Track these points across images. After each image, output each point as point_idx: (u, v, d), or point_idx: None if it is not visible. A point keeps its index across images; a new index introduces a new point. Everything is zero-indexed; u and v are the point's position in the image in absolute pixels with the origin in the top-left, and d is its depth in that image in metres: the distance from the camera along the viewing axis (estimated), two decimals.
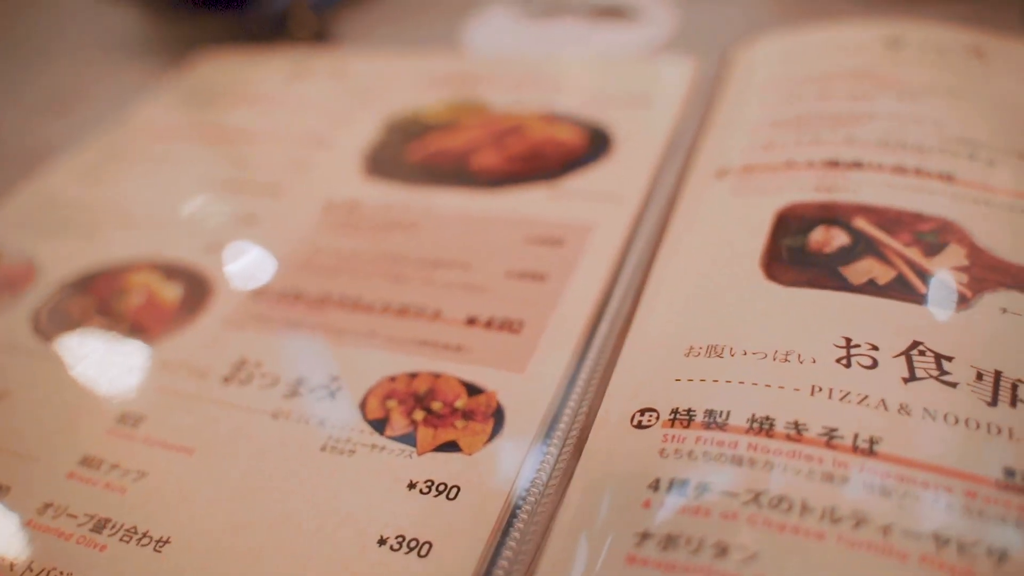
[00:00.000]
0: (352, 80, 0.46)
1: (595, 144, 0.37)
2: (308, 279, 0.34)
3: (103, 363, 0.32)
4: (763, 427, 0.23)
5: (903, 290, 0.26)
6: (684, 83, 0.39)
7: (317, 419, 0.28)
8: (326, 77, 0.47)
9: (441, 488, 0.25)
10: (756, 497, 0.22)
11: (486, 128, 0.40)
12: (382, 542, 0.24)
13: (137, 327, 0.33)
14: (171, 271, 0.36)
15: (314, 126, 0.43)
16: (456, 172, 0.37)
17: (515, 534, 0.24)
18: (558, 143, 0.38)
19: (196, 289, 0.34)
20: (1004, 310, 0.25)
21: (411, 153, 0.39)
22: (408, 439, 0.27)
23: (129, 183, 0.42)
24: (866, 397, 0.24)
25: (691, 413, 0.24)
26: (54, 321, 0.35)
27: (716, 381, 0.25)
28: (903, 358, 0.24)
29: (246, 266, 0.35)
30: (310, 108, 0.45)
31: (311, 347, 0.31)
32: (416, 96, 0.43)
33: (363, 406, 0.28)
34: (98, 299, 0.35)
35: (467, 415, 0.27)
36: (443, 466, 0.26)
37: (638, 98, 0.39)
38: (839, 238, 0.28)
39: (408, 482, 0.26)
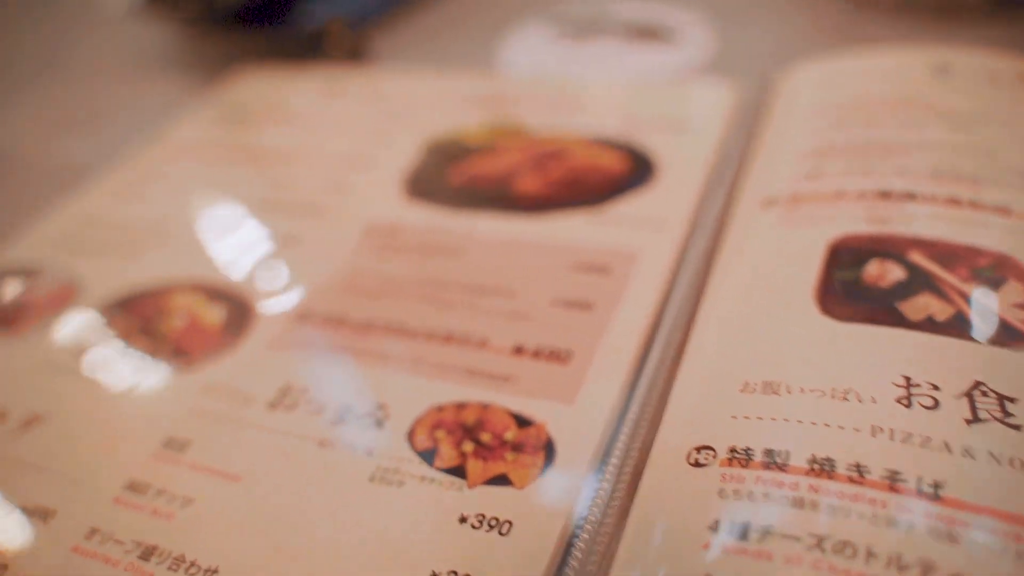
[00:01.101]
0: (388, 100, 0.46)
1: (637, 169, 0.37)
2: (352, 303, 0.34)
3: (146, 386, 0.32)
4: (824, 468, 0.23)
5: (962, 328, 0.26)
6: (724, 108, 0.39)
7: (365, 448, 0.28)
8: (361, 96, 0.47)
9: (493, 523, 0.25)
10: (820, 542, 0.22)
11: (526, 152, 0.39)
12: None
13: (180, 350, 0.33)
14: (213, 293, 0.36)
15: (352, 147, 0.43)
16: (498, 196, 0.37)
17: (569, 572, 0.24)
18: (600, 168, 0.37)
19: (239, 311, 0.34)
20: None
21: (452, 176, 0.39)
22: (458, 471, 0.27)
23: (168, 202, 0.42)
24: (929, 439, 0.23)
25: (749, 452, 0.24)
26: (96, 342, 0.34)
27: (774, 419, 0.25)
28: (965, 399, 0.24)
29: (289, 289, 0.35)
30: (347, 128, 0.45)
31: (357, 373, 0.31)
32: (454, 117, 0.43)
33: (411, 436, 0.28)
34: (140, 320, 0.35)
35: (517, 447, 0.27)
36: (494, 500, 0.26)
37: (678, 123, 0.39)
38: (894, 272, 0.28)
39: (460, 516, 0.25)
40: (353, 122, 0.45)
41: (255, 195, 0.42)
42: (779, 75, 0.39)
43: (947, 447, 0.23)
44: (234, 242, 0.38)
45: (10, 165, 0.47)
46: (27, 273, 0.39)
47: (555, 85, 0.45)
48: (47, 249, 0.41)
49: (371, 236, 0.37)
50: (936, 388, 0.24)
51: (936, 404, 0.24)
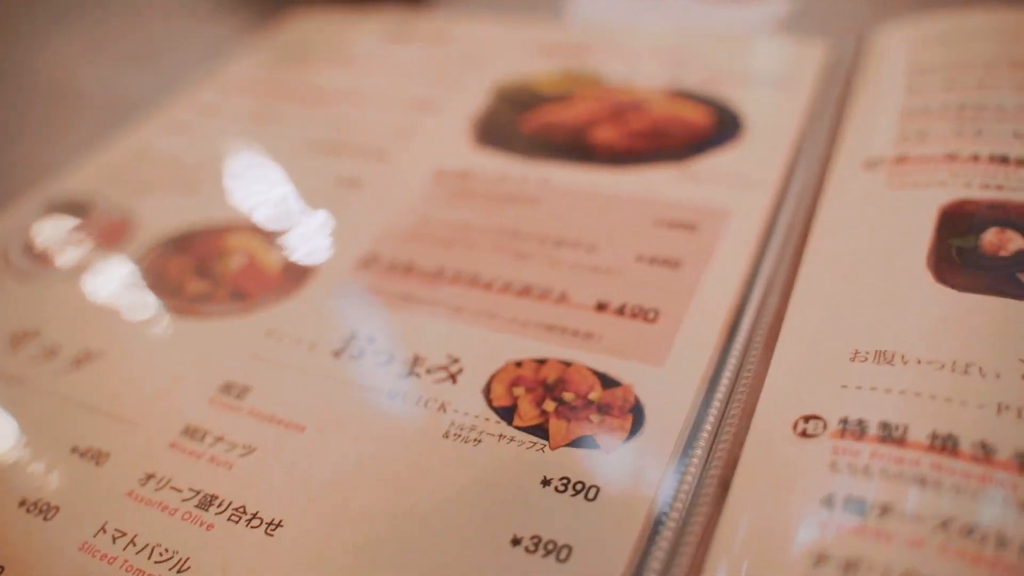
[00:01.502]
0: (455, 45, 0.44)
1: (724, 125, 0.35)
2: (420, 250, 0.32)
3: (203, 327, 0.30)
4: (947, 445, 0.21)
5: None
6: (815, 65, 0.37)
7: (438, 402, 0.26)
8: (427, 41, 0.45)
9: (579, 487, 0.23)
10: (945, 524, 0.20)
11: (604, 101, 0.37)
12: (516, 542, 0.22)
13: (238, 292, 0.32)
14: (271, 235, 0.34)
15: (417, 91, 0.41)
16: (573, 146, 0.35)
17: (663, 544, 0.22)
18: (684, 121, 0.35)
19: (299, 256, 0.33)
20: None
21: (523, 123, 0.37)
22: (539, 431, 0.25)
23: (223, 140, 0.41)
24: None
25: (863, 424, 0.22)
26: (151, 280, 0.33)
27: (888, 391, 0.23)
28: None
29: (352, 233, 0.33)
30: (411, 72, 0.43)
31: (427, 324, 0.29)
32: (524, 64, 0.41)
33: (487, 392, 0.26)
34: (196, 259, 0.33)
35: (603, 409, 0.25)
36: (579, 463, 0.24)
37: (765, 79, 0.37)
38: (1016, 241, 0.26)
39: (542, 478, 0.24)
40: (418, 67, 0.43)
41: (313, 136, 0.40)
42: (874, 33, 0.37)
43: None
44: (291, 183, 0.37)
45: (63, 98, 0.46)
46: (79, 208, 0.37)
47: (630, 35, 0.43)
48: (100, 182, 0.39)
49: (440, 182, 0.35)
50: None
51: None
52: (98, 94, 0.46)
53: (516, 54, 0.42)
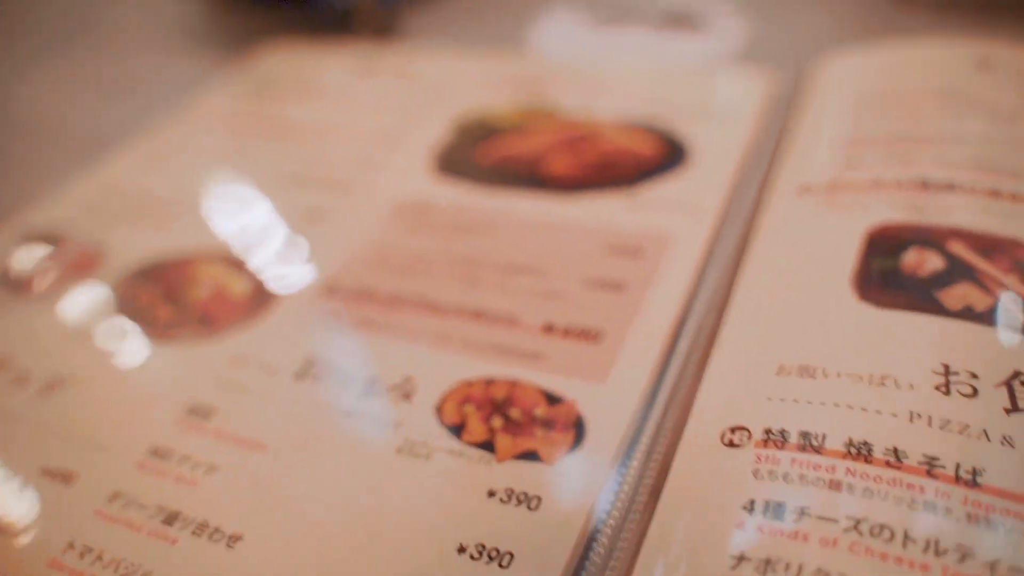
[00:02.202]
0: (419, 79, 0.46)
1: (670, 154, 0.37)
2: (380, 277, 0.33)
3: (171, 353, 0.32)
4: (861, 452, 0.23)
5: (1002, 318, 0.26)
6: (758, 96, 0.39)
7: (392, 421, 0.28)
8: (393, 75, 0.47)
9: (522, 498, 0.25)
10: (856, 524, 0.21)
11: (558, 134, 0.39)
12: (462, 550, 0.24)
13: (206, 319, 0.33)
14: (239, 264, 0.35)
15: (382, 124, 0.43)
16: (529, 176, 0.37)
17: (599, 549, 0.24)
18: (632, 152, 0.37)
19: (265, 283, 0.34)
20: None
21: (481, 155, 0.39)
22: (487, 446, 0.26)
23: (194, 173, 0.42)
24: (967, 427, 0.23)
25: (785, 433, 0.24)
26: (121, 308, 0.34)
27: (810, 402, 0.24)
28: (1004, 388, 0.24)
29: (316, 261, 0.35)
30: (378, 105, 0.45)
31: (384, 347, 0.30)
32: (484, 97, 0.43)
33: (439, 410, 0.28)
34: (166, 288, 0.35)
35: (547, 424, 0.27)
36: (523, 475, 0.25)
37: (711, 110, 0.39)
38: (933, 261, 0.28)
39: (488, 490, 0.25)
40: (382, 99, 0.45)
41: (282, 169, 0.41)
42: (815, 65, 0.39)
43: (986, 435, 0.23)
44: (260, 215, 0.38)
45: (37, 131, 0.47)
46: (53, 239, 0.39)
47: (587, 69, 0.44)
48: (73, 216, 0.40)
49: (400, 213, 0.37)
50: (975, 377, 0.24)
51: (975, 392, 0.24)
52: (75, 128, 0.47)
53: (477, 87, 0.44)
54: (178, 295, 0.34)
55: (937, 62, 0.36)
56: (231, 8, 0.55)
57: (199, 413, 0.29)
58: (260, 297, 0.34)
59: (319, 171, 0.41)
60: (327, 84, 0.47)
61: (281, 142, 0.44)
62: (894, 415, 0.24)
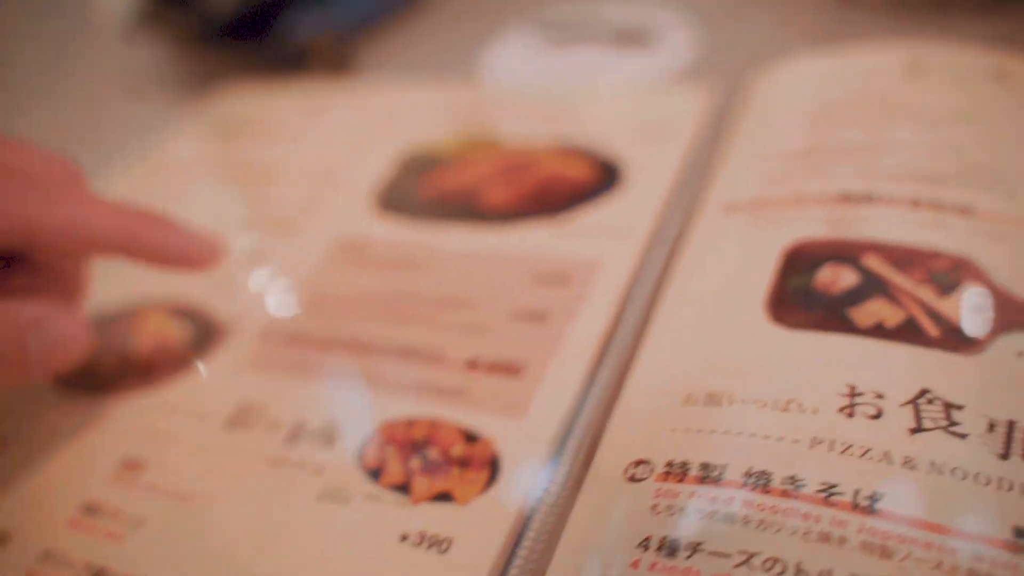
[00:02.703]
0: (368, 113, 0.46)
1: (604, 178, 0.36)
2: (316, 320, 0.34)
3: (111, 406, 0.32)
4: (759, 483, 0.22)
5: (913, 333, 0.25)
6: (695, 113, 0.38)
7: (315, 466, 0.28)
8: (343, 111, 0.47)
9: (433, 541, 0.25)
10: (749, 558, 0.21)
11: (496, 163, 0.39)
12: None
13: (146, 369, 0.34)
14: (181, 312, 0.36)
15: (330, 161, 0.43)
16: (465, 209, 0.37)
17: None
18: (567, 178, 0.37)
19: (206, 331, 0.35)
20: (1020, 354, 0.24)
21: (422, 189, 0.39)
22: (403, 488, 0.26)
23: None
24: (869, 450, 0.22)
25: (686, 466, 0.24)
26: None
27: (713, 432, 0.24)
28: (910, 407, 0.23)
29: (256, 307, 0.35)
30: (328, 143, 0.45)
31: (314, 391, 0.31)
32: (429, 129, 0.43)
33: (362, 453, 0.28)
34: (109, 340, 0.35)
35: (463, 463, 0.27)
36: (437, 517, 0.25)
37: (651, 129, 0.38)
38: (847, 277, 0.27)
39: (401, 534, 0.25)
40: (332, 137, 0.45)
41: (230, 213, 0.42)
42: (751, 77, 0.39)
43: (888, 458, 0.22)
44: None
45: None
46: None
47: (530, 95, 0.44)
48: None
49: (340, 251, 0.37)
50: (880, 397, 0.24)
51: (879, 413, 0.23)
52: None
53: (422, 120, 0.44)
54: (119, 347, 0.35)
55: (867, 69, 0.35)
56: (191, 50, 0.56)
57: (132, 466, 0.30)
58: (200, 344, 0.34)
59: (264, 213, 0.41)
60: (278, 125, 0.48)
61: (232, 186, 0.44)
62: (796, 441, 0.23)
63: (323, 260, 0.37)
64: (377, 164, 0.42)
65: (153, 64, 0.57)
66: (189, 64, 0.56)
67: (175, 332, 0.35)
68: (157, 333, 0.35)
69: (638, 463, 0.24)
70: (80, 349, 0.29)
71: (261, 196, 0.42)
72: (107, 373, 0.34)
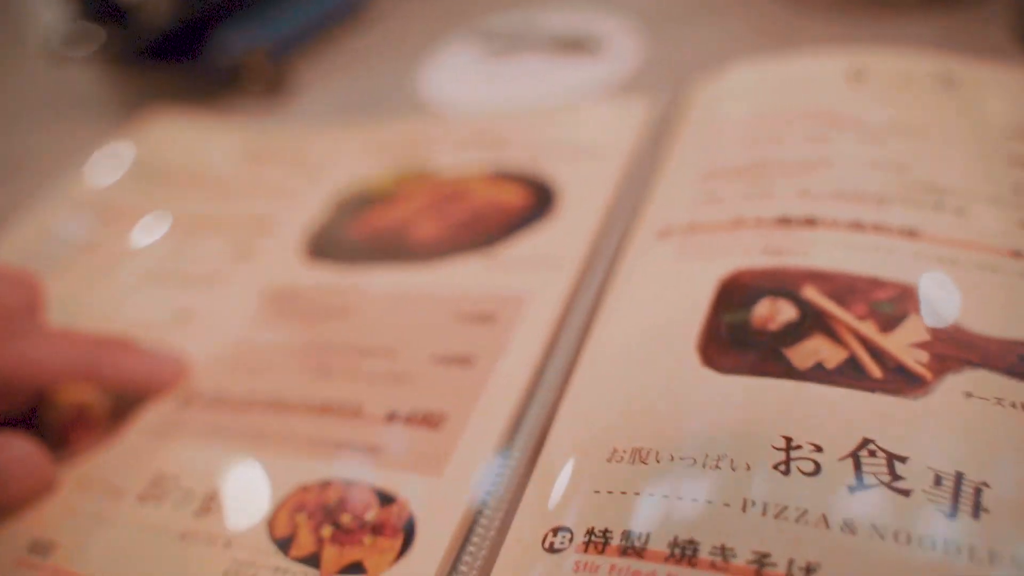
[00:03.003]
0: (304, 157, 0.44)
1: (538, 202, 0.34)
2: (236, 380, 0.32)
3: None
4: (685, 553, 0.20)
5: (854, 375, 0.23)
6: (634, 127, 0.36)
7: (224, 539, 0.26)
8: (281, 159, 0.44)
9: None
10: None
11: (427, 196, 0.37)
12: None
13: (62, 441, 0.31)
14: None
15: (262, 210, 0.41)
16: (394, 247, 0.35)
17: None
18: (499, 205, 0.35)
19: (126, 397, 0.32)
20: (969, 394, 0.22)
21: (353, 230, 0.37)
22: (313, 560, 0.24)
23: (63, 280, 0.40)
24: (805, 512, 0.20)
25: (607, 534, 0.22)
26: None
27: (638, 493, 0.22)
28: (850, 460, 0.21)
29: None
30: (260, 190, 0.42)
31: (228, 457, 0.29)
32: (364, 167, 0.41)
33: (272, 522, 0.26)
34: (21, 412, 0.33)
35: (376, 529, 0.25)
36: None
37: (586, 147, 0.36)
38: (786, 312, 0.25)
39: None
40: (262, 184, 0.43)
41: (157, 268, 0.39)
42: (691, 87, 0.36)
43: (825, 521, 0.20)
44: (128, 322, 0.36)
45: None
46: None
47: (465, 119, 0.42)
48: None
49: (267, 304, 0.35)
50: (819, 449, 0.22)
51: (817, 469, 0.21)
52: None
53: (357, 158, 0.42)
54: (38, 418, 0.33)
55: (809, 78, 0.33)
56: (120, 71, 0.53)
57: (39, 550, 0.28)
58: (119, 413, 0.32)
59: (191, 267, 0.38)
60: (209, 169, 0.45)
61: (159, 237, 0.41)
62: (726, 505, 0.21)
63: (249, 314, 0.35)
64: (311, 209, 0.39)
65: (81, 86, 0.55)
66: (118, 86, 0.53)
67: (95, 401, 0.33)
68: (77, 402, 0.33)
69: (557, 530, 0.22)
70: (40, 484, 0.29)
71: (190, 249, 0.40)
72: None
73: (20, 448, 0.28)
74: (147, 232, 0.42)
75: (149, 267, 0.39)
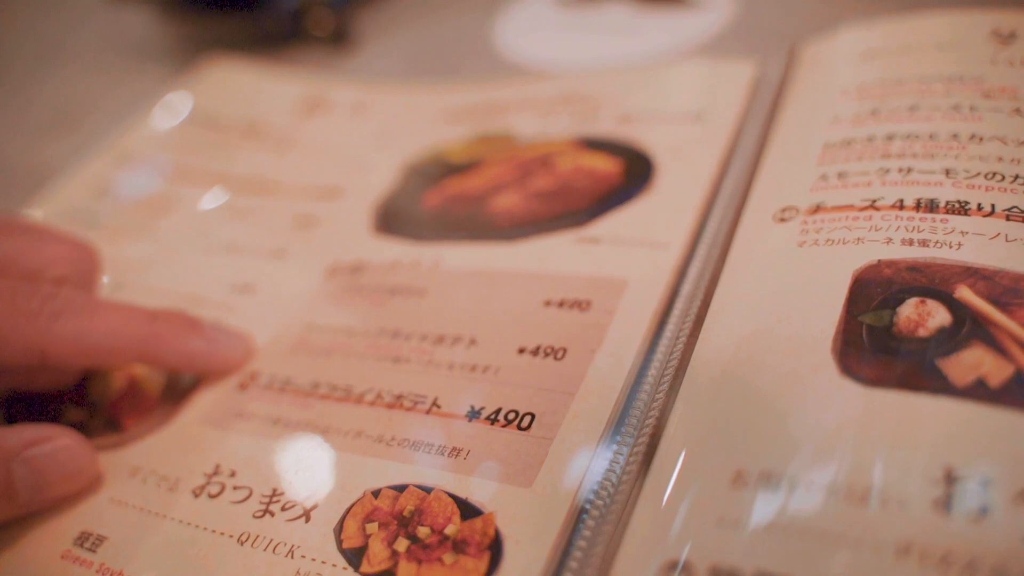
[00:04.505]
0: (370, 116, 0.40)
1: (633, 173, 0.31)
2: (300, 364, 0.29)
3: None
4: None
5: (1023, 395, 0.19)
6: (741, 90, 0.32)
7: (287, 546, 0.23)
8: (344, 113, 0.41)
9: None
10: None
11: (510, 163, 0.34)
12: None
13: (112, 421, 0.29)
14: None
15: (324, 176, 0.38)
16: (472, 220, 0.32)
17: None
18: (590, 173, 0.32)
19: (180, 378, 0.30)
20: None
21: (427, 200, 0.34)
22: None
23: (122, 249, 0.37)
24: (973, 561, 0.17)
25: (736, 574, 0.18)
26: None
27: (771, 528, 0.19)
28: None
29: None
30: (321, 154, 0.39)
31: (292, 451, 0.26)
32: (438, 133, 0.37)
33: (339, 530, 0.23)
34: (73, 385, 0.31)
35: (458, 546, 0.22)
36: None
37: (686, 113, 0.33)
38: (938, 315, 0.22)
39: None
40: (331, 145, 0.39)
41: (217, 237, 0.36)
42: (807, 47, 0.32)
43: (1000, 574, 0.17)
44: (186, 297, 0.33)
45: None
46: None
47: (548, 80, 0.38)
48: None
49: (332, 279, 0.32)
50: (988, 485, 0.18)
51: (986, 510, 0.18)
52: (10, 164, 0.44)
53: (431, 123, 0.38)
54: (85, 393, 0.30)
55: (948, 39, 0.29)
56: (177, 16, 0.50)
57: (88, 544, 0.25)
58: (173, 394, 0.30)
59: (252, 235, 0.36)
60: (269, 124, 0.42)
61: (216, 197, 0.39)
62: (877, 549, 0.18)
63: (313, 291, 0.32)
64: (380, 176, 0.36)
65: (139, 32, 0.52)
66: (177, 32, 0.51)
67: (148, 378, 0.30)
68: (128, 378, 0.31)
69: (671, 566, 0.19)
70: (83, 479, 0.26)
71: (251, 213, 0.37)
72: (70, 423, 0.29)
73: (63, 442, 0.26)
74: (204, 192, 0.39)
75: (206, 232, 0.37)
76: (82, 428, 0.29)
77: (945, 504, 0.18)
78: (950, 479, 0.18)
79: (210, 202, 0.39)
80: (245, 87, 0.45)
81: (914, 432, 0.19)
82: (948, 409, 0.20)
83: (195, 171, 0.40)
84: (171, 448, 0.28)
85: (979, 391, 0.20)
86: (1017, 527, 0.17)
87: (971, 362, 0.20)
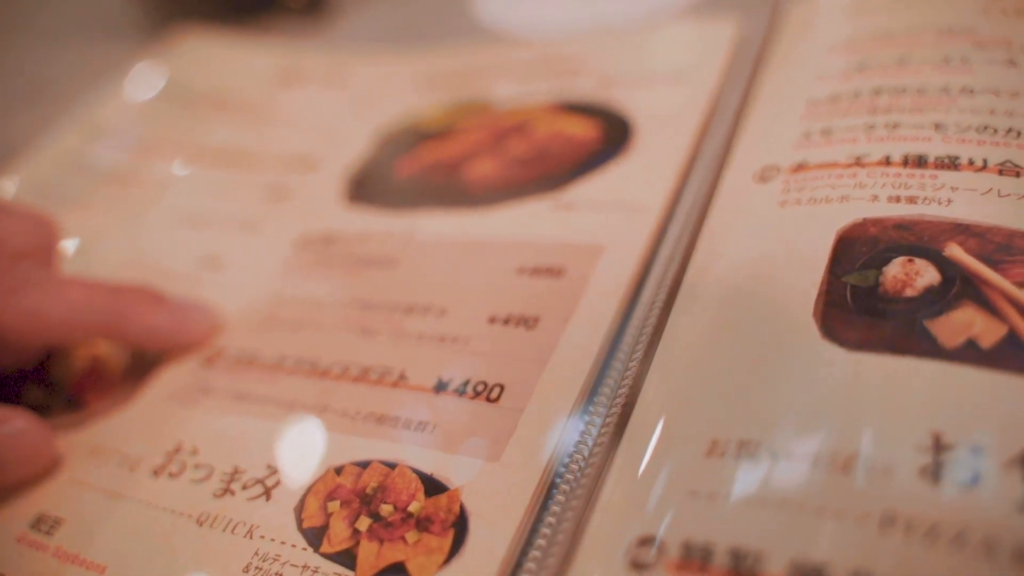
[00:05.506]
0: (344, 88, 0.39)
1: (612, 137, 0.30)
2: (268, 338, 0.28)
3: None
4: None
5: (1017, 356, 0.18)
6: (724, 50, 0.31)
7: (246, 526, 0.22)
8: (317, 84, 0.40)
9: None
10: None
11: (486, 129, 0.33)
12: None
13: (75, 400, 0.28)
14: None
15: (298, 145, 0.36)
16: (447, 188, 0.31)
17: None
18: (567, 138, 0.30)
19: (144, 355, 0.29)
20: None
21: (400, 169, 0.33)
22: (347, 558, 0.21)
23: (92, 222, 0.36)
24: (961, 534, 0.16)
25: (709, 550, 0.17)
26: None
27: (747, 500, 0.18)
28: (1018, 467, 0.17)
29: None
30: (295, 123, 0.38)
31: (255, 428, 0.25)
32: (413, 101, 0.36)
33: (300, 509, 0.22)
34: (34, 364, 0.30)
35: (421, 524, 0.21)
36: None
37: (666, 74, 0.31)
38: (927, 274, 0.20)
39: None
40: (302, 116, 0.38)
41: (186, 207, 0.35)
42: (790, 5, 0.31)
43: (989, 547, 0.16)
44: (151, 268, 0.32)
45: None
46: None
47: (526, 45, 0.37)
48: None
49: (302, 251, 0.31)
50: (977, 451, 0.17)
51: (976, 478, 0.17)
52: None
53: (408, 91, 0.37)
54: (46, 373, 0.29)
55: None
56: None
57: (44, 526, 0.24)
58: (136, 371, 0.28)
59: (222, 206, 0.35)
60: (243, 95, 0.41)
61: (186, 168, 0.38)
62: (862, 518, 0.17)
63: (282, 263, 0.31)
64: (354, 146, 0.35)
65: (112, 4, 0.51)
66: (149, 4, 0.49)
67: (111, 356, 0.29)
68: (90, 356, 0.29)
69: (643, 541, 0.18)
70: (39, 462, 0.25)
71: (221, 185, 0.36)
72: (30, 402, 0.28)
73: (19, 425, 0.25)
74: (175, 165, 0.38)
75: (176, 206, 0.36)
76: (44, 408, 0.28)
77: (933, 472, 0.17)
78: (939, 446, 0.17)
79: (181, 175, 0.37)
80: (218, 59, 0.43)
81: (900, 397, 0.18)
82: (937, 372, 0.18)
83: (166, 144, 0.39)
84: (133, 426, 0.27)
85: (970, 353, 0.19)
86: (1009, 495, 0.16)
87: (962, 323, 0.19)
